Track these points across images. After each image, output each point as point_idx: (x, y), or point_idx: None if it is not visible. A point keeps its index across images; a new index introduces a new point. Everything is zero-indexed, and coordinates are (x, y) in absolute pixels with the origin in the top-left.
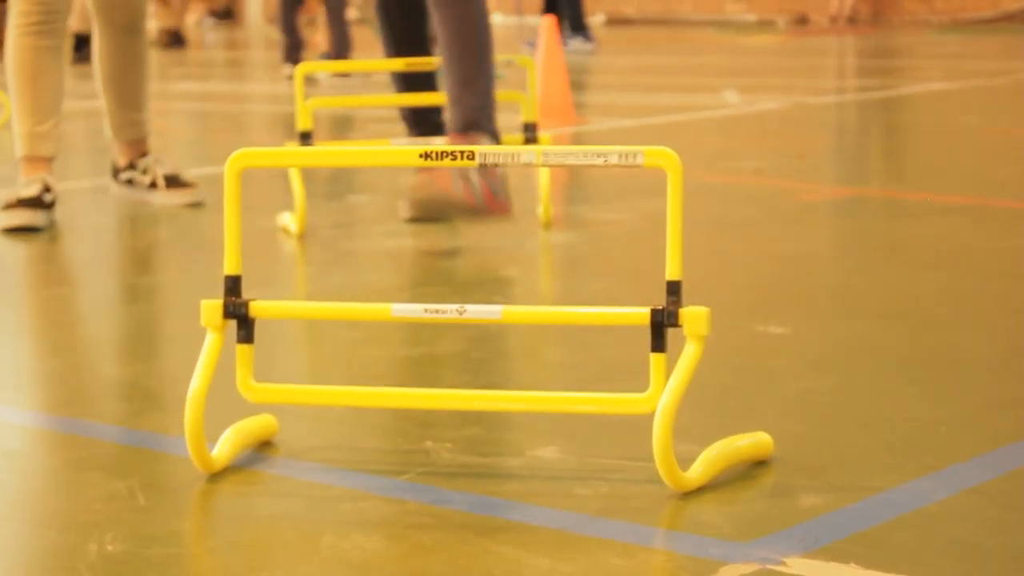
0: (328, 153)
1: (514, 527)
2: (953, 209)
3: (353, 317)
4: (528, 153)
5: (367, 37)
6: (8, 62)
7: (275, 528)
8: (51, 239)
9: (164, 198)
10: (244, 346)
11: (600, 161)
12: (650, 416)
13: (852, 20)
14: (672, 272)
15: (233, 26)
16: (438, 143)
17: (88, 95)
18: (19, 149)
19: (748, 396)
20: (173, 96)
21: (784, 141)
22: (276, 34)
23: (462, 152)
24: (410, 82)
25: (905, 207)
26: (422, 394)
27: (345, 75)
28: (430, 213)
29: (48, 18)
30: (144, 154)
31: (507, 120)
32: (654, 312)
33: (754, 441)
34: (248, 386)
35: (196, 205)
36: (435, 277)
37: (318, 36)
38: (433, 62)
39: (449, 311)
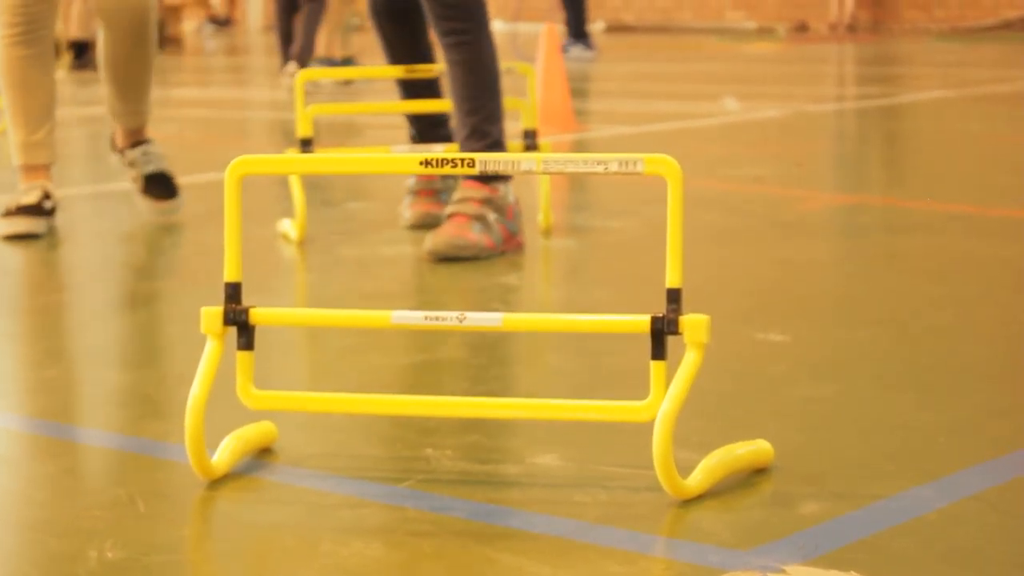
0: (328, 160)
1: (514, 534)
2: (953, 217)
3: (353, 324)
4: (528, 160)
5: (370, 43)
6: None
7: (275, 535)
8: (51, 246)
9: (140, 203)
10: (244, 353)
11: (600, 168)
12: (650, 424)
13: (852, 28)
14: (672, 280)
15: (232, 32)
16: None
17: (87, 101)
18: (16, 159)
19: (748, 404)
20: (173, 102)
21: (784, 148)
22: (275, 41)
23: (462, 159)
24: (410, 88)
25: (905, 215)
26: (422, 401)
27: (347, 82)
28: (452, 256)
29: (31, 27)
30: (139, 142)
31: (507, 127)
32: (654, 320)
33: (754, 449)
34: (248, 393)
35: (170, 214)
36: (435, 284)
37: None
38: (434, 69)
39: (449, 318)
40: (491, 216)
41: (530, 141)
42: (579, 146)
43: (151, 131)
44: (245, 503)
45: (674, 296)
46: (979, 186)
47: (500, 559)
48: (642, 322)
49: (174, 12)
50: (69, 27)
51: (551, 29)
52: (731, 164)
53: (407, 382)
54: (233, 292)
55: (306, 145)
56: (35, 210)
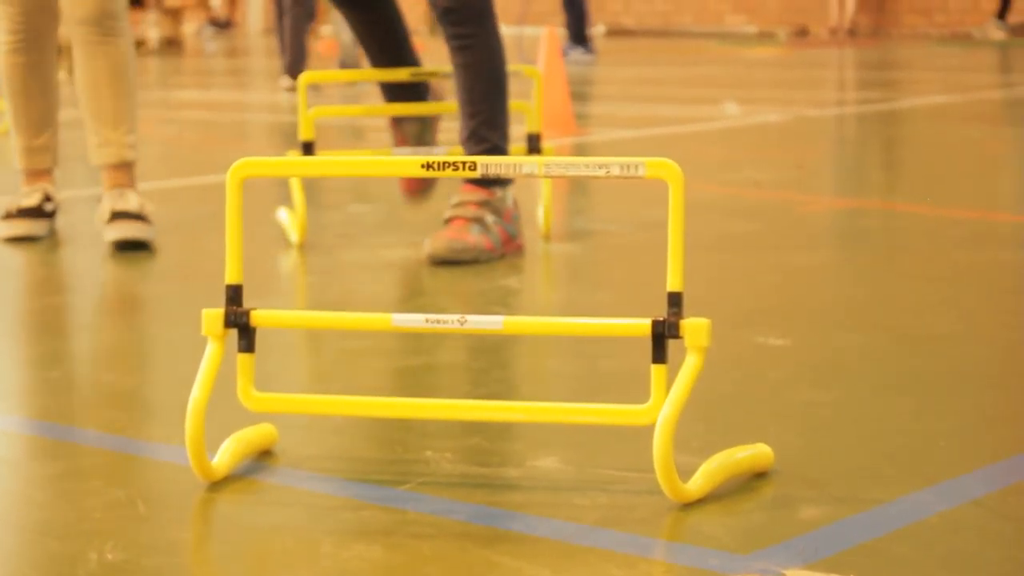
0: (329, 163)
1: (514, 537)
2: (953, 222)
3: (354, 327)
4: (530, 164)
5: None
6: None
7: (275, 537)
8: (51, 248)
9: (108, 233)
10: (245, 355)
11: (602, 172)
12: (651, 427)
13: (852, 32)
14: (673, 283)
15: (233, 35)
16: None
17: None
18: (18, 163)
19: (748, 408)
20: (173, 105)
21: (784, 153)
22: (276, 45)
23: (463, 163)
24: (392, 88)
25: (905, 219)
26: (422, 404)
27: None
28: (452, 259)
29: (31, 35)
30: (117, 185)
31: (511, 131)
32: (655, 323)
33: (754, 453)
34: (249, 395)
35: (136, 245)
36: (436, 287)
37: (319, 45)
38: (437, 72)
39: (450, 321)
40: (489, 218)
41: (533, 145)
42: (580, 150)
43: (152, 133)
44: (245, 505)
45: (675, 300)
46: (979, 191)
47: (500, 562)
48: (643, 326)
49: (174, 14)
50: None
51: (552, 33)
52: (731, 168)
53: (407, 385)
54: (234, 294)
55: (308, 148)
56: (36, 212)
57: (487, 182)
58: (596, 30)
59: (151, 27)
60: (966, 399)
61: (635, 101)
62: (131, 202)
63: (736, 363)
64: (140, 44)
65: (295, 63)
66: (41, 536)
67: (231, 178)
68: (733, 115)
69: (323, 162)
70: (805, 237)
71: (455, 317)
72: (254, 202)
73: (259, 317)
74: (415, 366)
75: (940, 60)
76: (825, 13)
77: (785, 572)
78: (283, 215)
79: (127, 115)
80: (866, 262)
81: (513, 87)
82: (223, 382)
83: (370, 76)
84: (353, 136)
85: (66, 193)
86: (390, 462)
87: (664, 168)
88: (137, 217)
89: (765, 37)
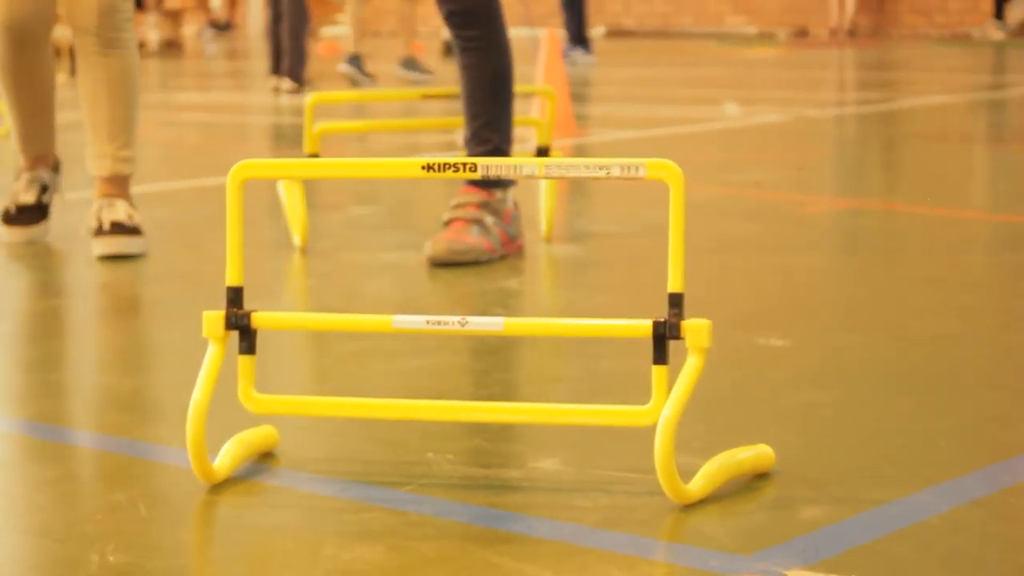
0: (329, 165)
1: (515, 539)
2: (953, 222)
3: (355, 329)
4: (530, 165)
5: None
6: None
7: (276, 539)
8: (51, 249)
9: (96, 247)
10: (246, 357)
11: (602, 173)
12: (652, 428)
13: (852, 33)
14: (674, 284)
15: (233, 36)
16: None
17: None
18: (16, 148)
19: (749, 408)
20: (173, 107)
21: (784, 154)
22: (266, 47)
23: (464, 164)
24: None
25: (905, 220)
26: (424, 406)
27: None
28: (452, 261)
29: (26, 28)
30: (107, 195)
31: (522, 147)
32: (656, 324)
33: (755, 453)
34: (250, 397)
35: (128, 257)
36: (436, 289)
37: (319, 47)
38: (452, 93)
39: (451, 323)
40: (489, 219)
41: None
42: (580, 151)
43: (153, 136)
44: (246, 507)
45: (676, 301)
46: (979, 191)
47: (501, 563)
48: (644, 327)
49: (174, 16)
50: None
51: (552, 34)
52: (731, 169)
53: (409, 386)
54: (235, 296)
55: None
56: (35, 211)
57: (487, 183)
58: (596, 31)
59: (151, 29)
60: (966, 399)
61: (635, 102)
62: (120, 212)
63: (737, 364)
64: (140, 46)
65: (296, 65)
66: (42, 538)
67: (231, 180)
68: (733, 116)
69: (323, 164)
70: (805, 238)
71: (456, 319)
72: (255, 204)
73: (260, 319)
74: (416, 368)
75: (940, 60)
76: (825, 14)
77: (786, 573)
78: (280, 187)
79: (124, 128)
80: (866, 263)
81: (522, 99)
82: (224, 384)
83: (376, 96)
84: (355, 139)
85: (66, 195)
86: (391, 464)
87: (664, 169)
88: (125, 229)
89: (765, 38)
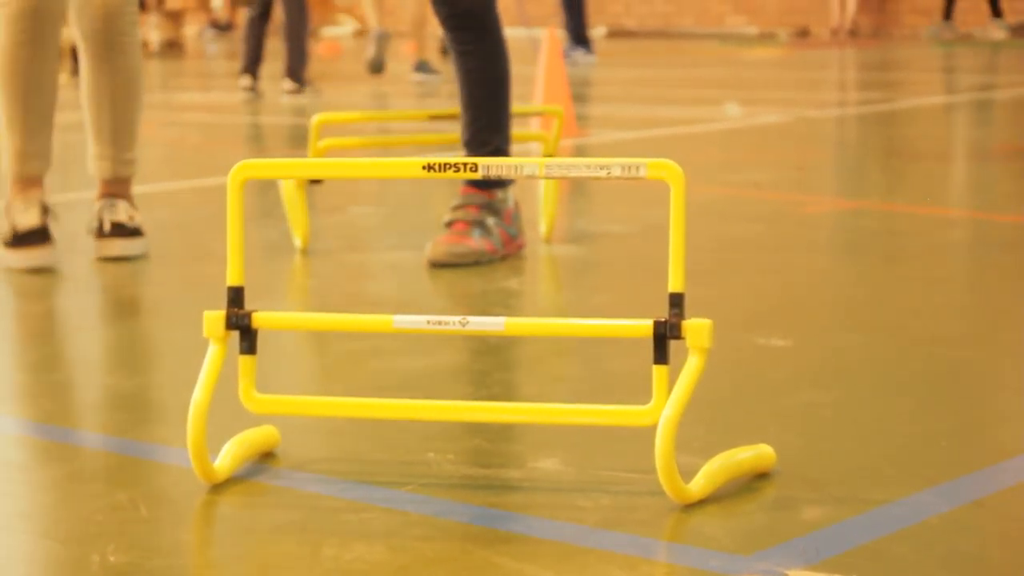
0: (330, 165)
1: (516, 539)
2: (954, 222)
3: (355, 329)
4: (531, 165)
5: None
6: None
7: (277, 539)
8: (51, 250)
9: (98, 249)
10: (246, 357)
11: (603, 173)
12: (652, 428)
13: (853, 33)
14: (675, 284)
15: (233, 37)
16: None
17: None
18: (9, 167)
19: (750, 408)
20: (174, 107)
21: (785, 154)
22: (279, 47)
23: (465, 164)
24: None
25: (906, 220)
26: (424, 406)
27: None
28: (452, 263)
29: (38, 25)
30: (107, 195)
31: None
32: (657, 324)
33: (756, 453)
34: (250, 397)
35: (131, 259)
36: (437, 289)
37: (320, 47)
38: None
39: (451, 323)
40: (490, 220)
41: None
42: (580, 151)
43: (154, 136)
44: (247, 507)
45: (676, 300)
46: (980, 192)
47: (502, 563)
48: (644, 326)
49: (175, 17)
50: (71, 31)
51: (552, 34)
52: (732, 169)
53: (409, 386)
54: (236, 296)
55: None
56: (40, 234)
57: (487, 184)
58: (597, 32)
59: (152, 30)
60: (967, 400)
61: (636, 102)
62: (121, 213)
63: (737, 364)
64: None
65: (297, 66)
66: (43, 539)
67: (232, 180)
68: (734, 116)
69: (324, 164)
70: (806, 238)
71: (457, 319)
72: (255, 204)
73: (261, 319)
74: (417, 368)
75: (941, 61)
76: (826, 14)
77: (787, 573)
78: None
79: (127, 131)
80: (867, 263)
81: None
82: (225, 384)
83: (384, 117)
84: (353, 131)
85: (66, 196)
86: (392, 464)
87: (665, 169)
88: (126, 230)
89: (766, 38)
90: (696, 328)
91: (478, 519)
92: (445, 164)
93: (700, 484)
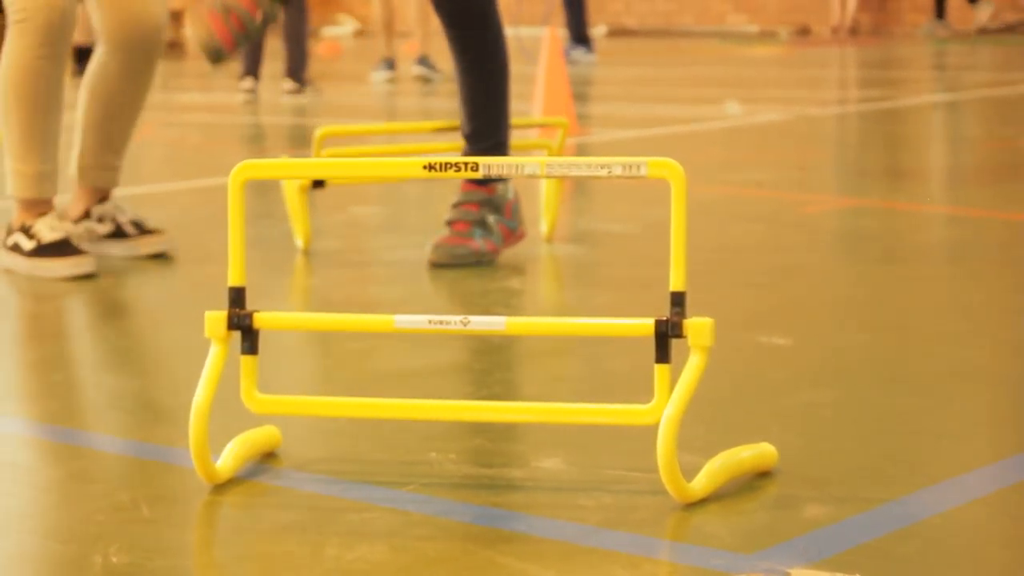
0: (331, 165)
1: (518, 538)
2: (955, 220)
3: (357, 329)
4: (532, 164)
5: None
6: (8, 90)
7: (279, 539)
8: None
9: (129, 248)
10: (248, 357)
11: (604, 172)
12: (654, 427)
13: (854, 31)
14: (676, 283)
15: None
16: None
17: None
18: (21, 191)
19: (751, 407)
20: (175, 107)
21: (786, 153)
22: (279, 47)
23: (466, 163)
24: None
25: (907, 218)
26: (426, 405)
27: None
28: (455, 262)
29: (61, 39)
30: (104, 199)
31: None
32: (658, 323)
33: (758, 452)
34: (252, 397)
35: (163, 256)
36: (438, 289)
37: (320, 47)
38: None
39: (453, 323)
40: (491, 218)
41: None
42: (581, 150)
43: (155, 136)
44: (249, 507)
45: (678, 299)
46: (981, 190)
47: (504, 563)
48: (646, 325)
49: (176, 17)
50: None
51: (553, 33)
52: (733, 168)
53: (411, 386)
54: (237, 296)
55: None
56: (68, 244)
57: (488, 179)
58: (597, 30)
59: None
60: (970, 398)
61: (637, 101)
62: (130, 212)
63: (738, 363)
64: None
65: (297, 66)
66: (45, 539)
67: (233, 180)
68: (735, 115)
69: (324, 164)
70: (807, 237)
71: (458, 318)
72: (256, 204)
73: (262, 319)
74: (418, 367)
75: (941, 59)
76: (826, 12)
77: (789, 571)
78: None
79: (128, 141)
80: (867, 261)
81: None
82: (226, 384)
83: (387, 130)
84: (357, 140)
85: (64, 197)
86: (393, 463)
87: (666, 168)
88: (148, 228)
89: (766, 36)
90: (698, 327)
91: (480, 519)
92: (446, 164)
93: (702, 483)
